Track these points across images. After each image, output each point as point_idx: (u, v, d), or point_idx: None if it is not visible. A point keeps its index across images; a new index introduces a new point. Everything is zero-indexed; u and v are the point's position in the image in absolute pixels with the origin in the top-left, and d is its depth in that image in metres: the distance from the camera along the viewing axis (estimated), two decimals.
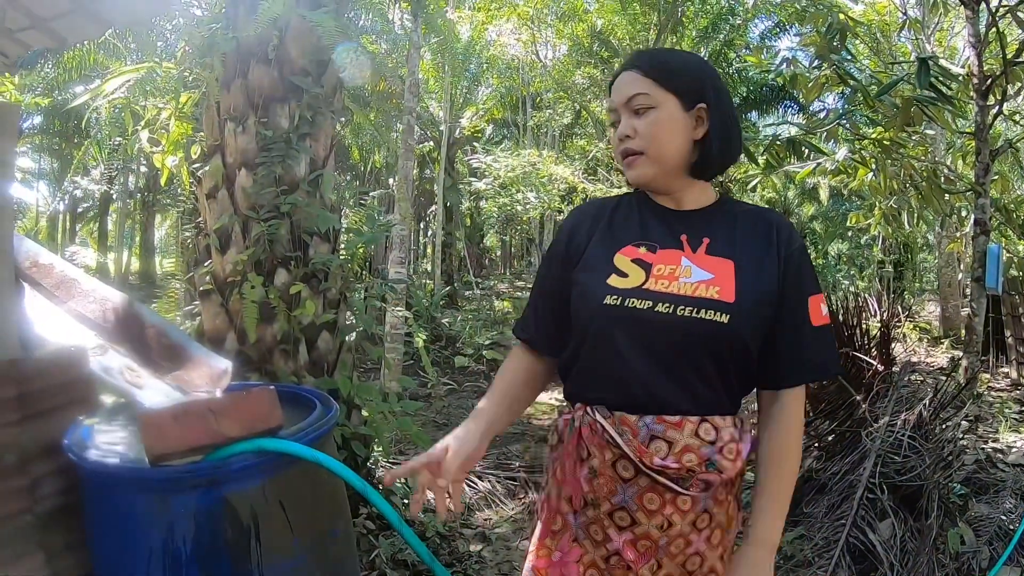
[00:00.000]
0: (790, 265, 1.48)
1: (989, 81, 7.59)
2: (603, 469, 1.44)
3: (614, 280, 1.46)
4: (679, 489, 1.40)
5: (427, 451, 1.48)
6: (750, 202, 1.66)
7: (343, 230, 3.90)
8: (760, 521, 1.50)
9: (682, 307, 1.39)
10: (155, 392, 2.09)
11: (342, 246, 3.86)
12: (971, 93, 7.94)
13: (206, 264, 3.48)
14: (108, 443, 1.83)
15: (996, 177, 9.16)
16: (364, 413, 3.78)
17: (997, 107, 7.76)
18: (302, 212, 3.42)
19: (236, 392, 1.91)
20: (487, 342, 10.62)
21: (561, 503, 1.50)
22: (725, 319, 1.38)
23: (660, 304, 1.40)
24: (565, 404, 1.62)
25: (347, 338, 3.77)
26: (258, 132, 3.43)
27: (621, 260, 1.49)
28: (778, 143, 7.45)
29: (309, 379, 3.40)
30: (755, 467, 1.54)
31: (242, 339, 3.34)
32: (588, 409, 1.48)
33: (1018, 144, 9.08)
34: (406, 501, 3.86)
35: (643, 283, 1.43)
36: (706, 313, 1.38)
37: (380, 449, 3.99)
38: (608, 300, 1.43)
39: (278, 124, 3.48)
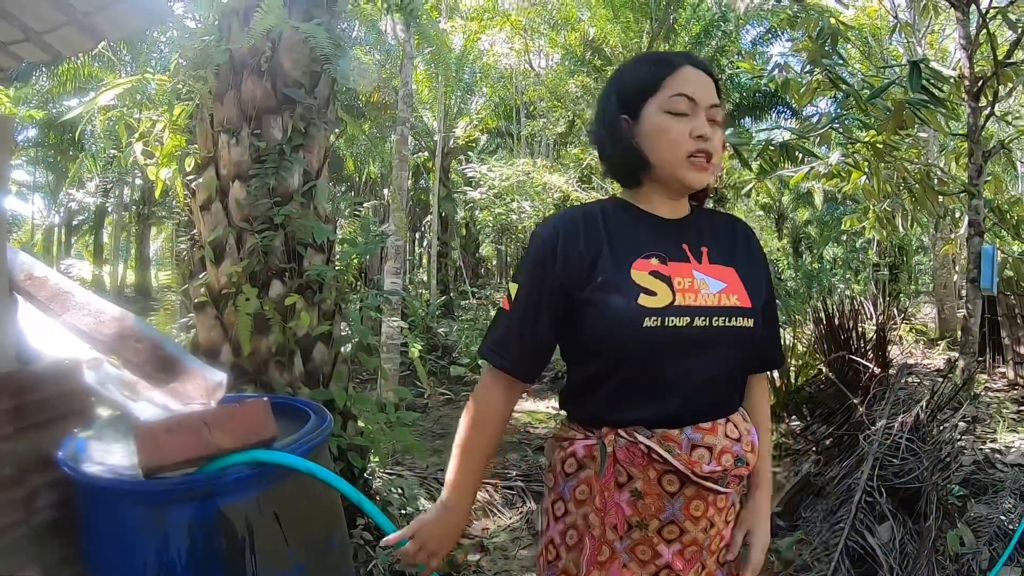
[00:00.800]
0: (766, 271, 1.64)
1: (980, 83, 7.62)
2: (648, 489, 1.42)
3: (645, 300, 1.40)
4: (722, 490, 1.45)
5: (419, 529, 1.50)
6: (711, 208, 1.69)
7: (338, 241, 3.90)
8: (762, 471, 1.65)
9: (716, 318, 1.44)
10: (150, 404, 2.09)
11: (337, 257, 3.86)
12: (963, 95, 7.97)
13: (201, 276, 3.48)
14: (103, 455, 1.83)
15: (989, 178, 9.19)
16: (360, 424, 3.77)
17: (989, 108, 7.79)
18: (296, 223, 3.42)
19: (230, 404, 1.91)
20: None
21: (607, 532, 1.42)
22: (750, 323, 1.49)
23: (697, 318, 1.42)
24: (570, 427, 1.56)
25: (342, 349, 3.76)
26: (251, 144, 3.43)
27: (640, 276, 1.43)
28: (771, 148, 7.46)
29: (304, 390, 3.39)
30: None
31: (237, 351, 3.33)
32: (622, 432, 1.43)
33: (1011, 145, 9.11)
34: (403, 512, 3.86)
35: (673, 299, 1.42)
36: (735, 320, 1.46)
37: (377, 460, 3.98)
38: (648, 323, 1.38)
39: (271, 136, 3.48)
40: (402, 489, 4.05)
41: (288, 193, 3.46)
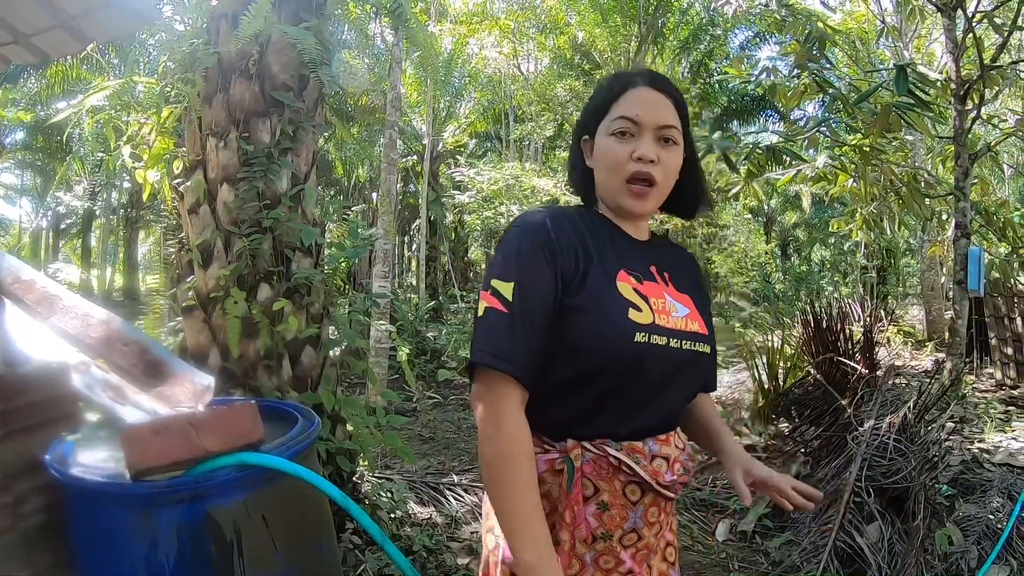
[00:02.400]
0: (709, 304, 1.67)
1: (967, 86, 7.68)
2: (614, 500, 1.42)
3: (634, 315, 1.40)
4: (674, 496, 1.49)
5: None
6: (665, 238, 1.70)
7: (326, 245, 3.90)
8: (733, 444, 1.68)
9: (685, 341, 1.46)
10: (137, 408, 2.08)
11: (325, 261, 3.86)
12: (949, 98, 8.04)
13: (188, 280, 3.47)
14: (90, 459, 1.82)
15: (976, 181, 9.26)
16: (349, 428, 3.77)
17: (975, 111, 7.85)
18: (284, 227, 3.42)
19: (217, 407, 1.90)
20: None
21: (577, 545, 1.40)
22: (708, 350, 1.53)
23: (672, 339, 1.44)
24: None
25: (331, 353, 3.76)
26: (240, 147, 3.43)
27: (625, 289, 1.44)
28: (759, 151, 7.49)
29: (293, 394, 3.39)
30: (698, 430, 1.73)
31: (225, 355, 3.33)
32: (589, 445, 1.41)
33: (997, 148, 9.17)
34: (392, 516, 3.85)
35: (654, 319, 1.43)
36: (697, 345, 1.49)
37: (366, 464, 3.97)
38: (639, 337, 1.38)
39: (260, 139, 3.48)
40: (391, 492, 4.05)
41: (276, 196, 3.46)
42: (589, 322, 1.38)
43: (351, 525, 3.50)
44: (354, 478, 3.77)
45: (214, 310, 3.35)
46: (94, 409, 2.16)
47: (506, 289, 1.38)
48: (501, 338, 1.35)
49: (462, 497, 4.50)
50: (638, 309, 1.42)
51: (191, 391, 2.15)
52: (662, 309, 1.46)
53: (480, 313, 1.40)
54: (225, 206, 3.40)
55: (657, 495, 1.45)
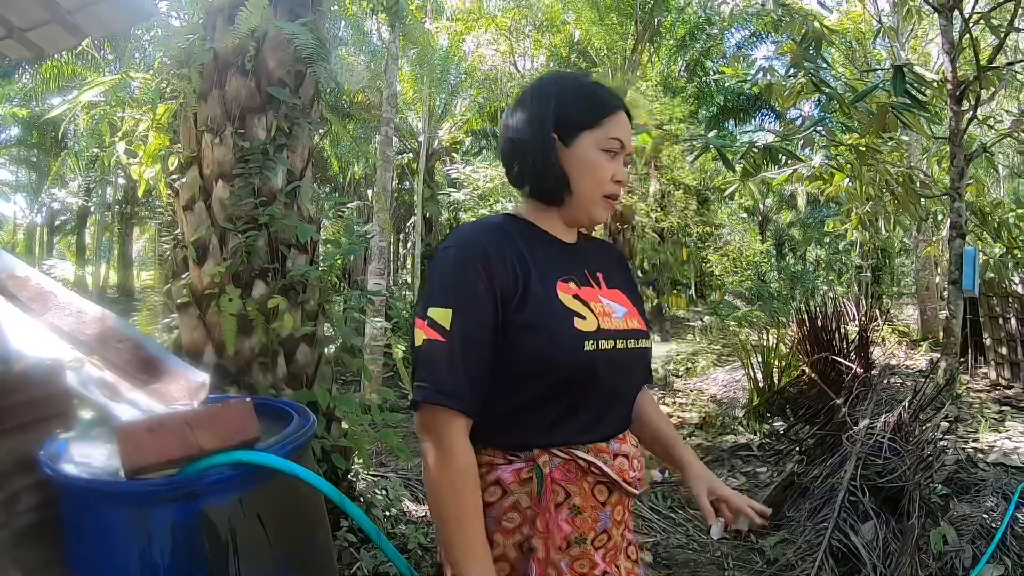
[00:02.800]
0: (639, 291, 1.71)
1: (963, 87, 7.68)
2: (585, 502, 1.43)
3: (579, 323, 1.42)
4: (636, 492, 1.52)
5: None
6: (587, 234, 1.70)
7: (321, 242, 3.89)
8: (683, 449, 1.75)
9: (630, 340, 1.51)
10: (132, 405, 2.07)
11: (320, 258, 3.85)
12: (945, 99, 8.04)
13: (183, 276, 3.46)
14: (85, 457, 1.81)
15: (971, 181, 9.28)
16: (344, 425, 3.76)
17: (971, 112, 7.86)
18: (280, 224, 3.41)
19: (213, 404, 1.89)
20: None
21: (551, 553, 1.39)
22: (649, 344, 1.60)
23: (619, 341, 1.47)
24: (485, 453, 1.44)
25: (326, 350, 3.75)
26: (235, 143, 3.42)
27: (567, 298, 1.45)
28: (755, 150, 7.49)
29: (288, 392, 3.38)
30: (650, 438, 1.74)
31: (220, 352, 3.31)
32: (557, 451, 1.42)
33: (992, 148, 9.18)
34: (387, 514, 3.85)
35: (598, 324, 1.45)
36: (641, 342, 1.55)
37: (361, 461, 3.97)
38: (588, 346, 1.40)
39: (255, 135, 3.47)
40: (386, 490, 4.04)
41: (272, 193, 3.45)
42: (538, 339, 1.39)
43: (346, 523, 3.50)
44: (349, 476, 3.76)
45: (209, 307, 3.34)
46: (88, 406, 2.15)
47: (443, 317, 1.36)
48: (443, 371, 1.35)
49: None
50: (582, 317, 1.44)
51: (186, 388, 2.14)
52: (603, 312, 1.49)
53: (418, 343, 1.39)
54: (220, 202, 3.39)
55: (622, 493, 1.49)
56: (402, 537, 3.69)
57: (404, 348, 9.28)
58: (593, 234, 1.77)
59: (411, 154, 16.75)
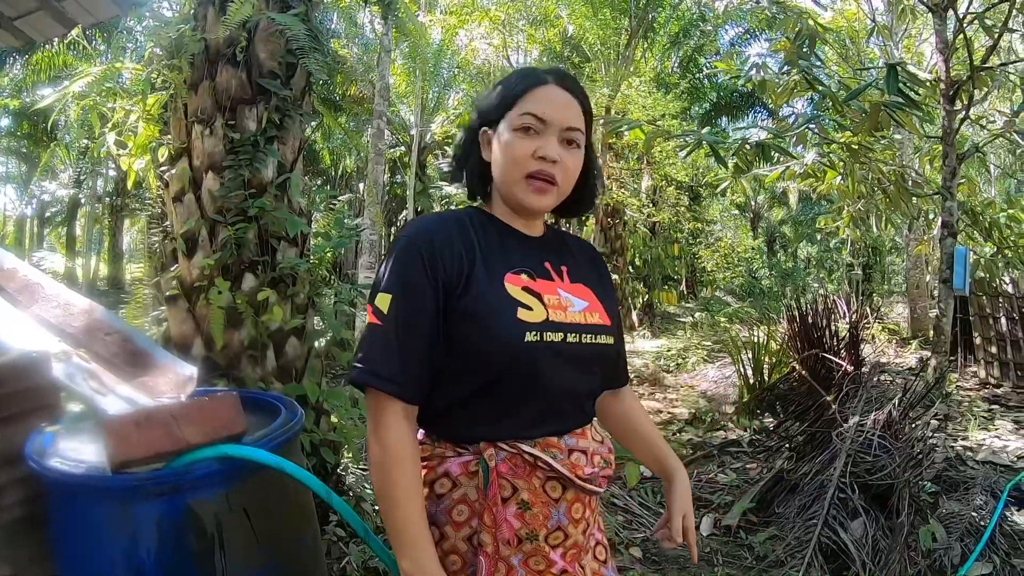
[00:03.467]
0: (614, 292, 1.70)
1: (956, 87, 7.72)
2: (535, 498, 1.41)
3: (523, 314, 1.40)
4: (597, 490, 1.49)
5: None
6: (562, 230, 1.70)
7: (311, 234, 3.87)
8: (671, 458, 1.77)
9: (585, 335, 1.48)
10: (119, 399, 2.05)
11: (310, 251, 3.83)
12: (938, 98, 8.08)
13: (172, 269, 3.44)
14: (70, 450, 1.79)
15: (963, 181, 9.31)
16: (333, 419, 3.74)
17: (964, 112, 7.89)
18: (270, 216, 3.39)
19: (199, 398, 1.87)
20: None
21: (500, 548, 1.38)
22: (611, 340, 1.55)
23: (570, 334, 1.45)
24: (436, 446, 1.47)
25: (316, 344, 3.74)
26: (226, 135, 3.40)
27: (514, 290, 1.43)
28: (747, 147, 7.50)
29: (277, 385, 3.36)
30: (645, 449, 1.80)
31: (209, 345, 3.29)
32: (503, 444, 1.41)
33: (984, 148, 9.21)
34: (376, 508, 3.83)
35: (547, 315, 1.43)
36: (599, 338, 1.51)
37: (350, 455, 3.96)
38: (529, 337, 1.38)
39: (246, 127, 3.45)
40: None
41: (262, 185, 3.43)
42: (477, 327, 1.39)
43: (335, 517, 3.48)
44: (338, 470, 3.75)
45: (198, 300, 3.32)
46: (75, 399, 2.13)
47: (383, 302, 1.39)
48: (377, 353, 1.38)
49: None
50: (528, 308, 1.41)
51: (174, 381, 2.12)
52: (557, 305, 1.46)
53: (365, 325, 1.43)
54: (210, 194, 3.37)
55: (579, 490, 1.45)
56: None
57: None
58: (575, 230, 1.76)
59: (403, 148, 16.70)
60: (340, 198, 16.57)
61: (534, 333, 1.39)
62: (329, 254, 4.04)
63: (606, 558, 1.59)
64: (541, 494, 1.41)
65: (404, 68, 14.62)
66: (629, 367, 1.91)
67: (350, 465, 4.03)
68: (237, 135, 3.40)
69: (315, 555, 2.04)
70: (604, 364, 1.57)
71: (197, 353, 3.29)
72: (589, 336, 1.48)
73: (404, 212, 16.78)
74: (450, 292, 1.39)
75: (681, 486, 1.72)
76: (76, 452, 1.79)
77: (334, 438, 3.62)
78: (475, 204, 1.63)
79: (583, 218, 15.95)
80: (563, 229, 1.74)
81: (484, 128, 1.53)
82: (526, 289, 1.45)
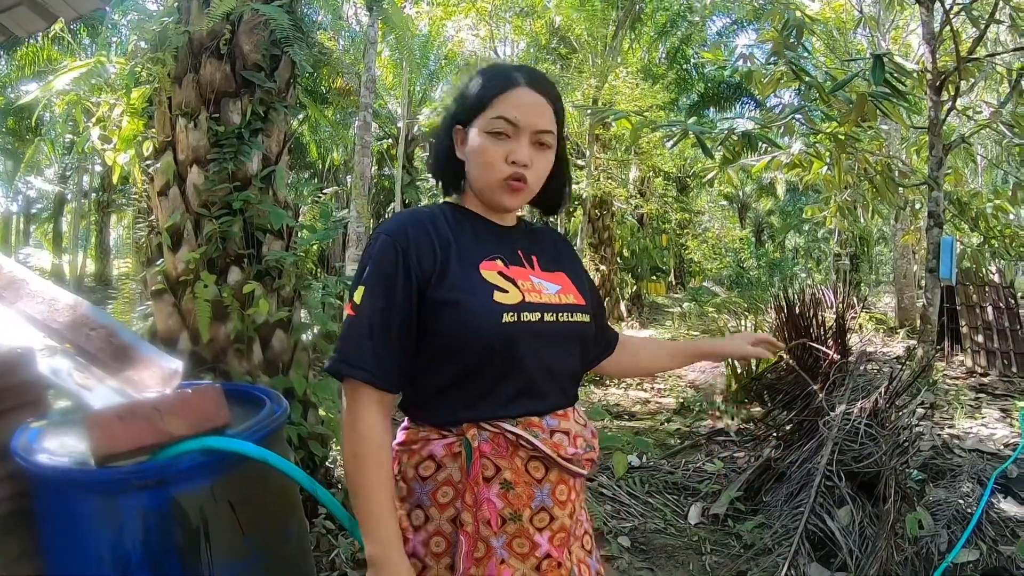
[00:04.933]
0: (584, 272, 1.75)
1: (943, 77, 7.74)
2: (517, 478, 1.42)
3: (499, 296, 1.44)
4: (581, 471, 1.50)
5: None
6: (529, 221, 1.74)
7: (297, 227, 3.86)
8: (693, 343, 2.07)
9: (560, 313, 1.51)
10: (105, 393, 2.05)
11: (296, 243, 3.82)
12: (925, 89, 8.10)
13: (158, 263, 3.43)
14: (56, 445, 1.79)
15: (949, 171, 9.35)
16: (321, 412, 3.74)
17: (950, 103, 7.92)
18: (255, 209, 3.38)
19: (182, 391, 1.87)
20: None
21: (481, 527, 1.39)
22: (587, 319, 1.59)
23: (546, 314, 1.48)
24: (420, 430, 1.50)
25: (302, 337, 3.73)
26: (210, 128, 3.39)
27: (489, 275, 1.47)
28: (734, 137, 7.51)
29: (264, 378, 3.36)
30: (655, 357, 1.97)
31: (195, 339, 3.29)
32: (485, 424, 1.43)
33: (971, 139, 9.26)
34: None
35: (523, 298, 1.46)
36: (576, 316, 1.55)
37: (339, 448, 3.95)
38: (507, 318, 1.41)
39: (230, 119, 3.44)
40: None
41: (247, 178, 3.42)
42: (454, 313, 1.41)
43: (324, 510, 3.49)
44: (327, 463, 3.75)
45: (184, 294, 3.31)
46: (61, 395, 2.12)
47: (359, 295, 1.44)
48: (351, 344, 1.41)
49: None
50: (503, 291, 1.44)
51: (159, 375, 2.12)
52: (532, 288, 1.50)
53: (344, 317, 1.48)
54: (195, 188, 3.36)
55: (562, 471, 1.47)
56: None
57: None
58: (550, 221, 1.78)
59: (390, 140, 16.66)
60: (326, 191, 16.55)
61: (511, 314, 1.42)
62: (315, 247, 4.03)
63: (591, 548, 1.61)
64: (523, 474, 1.43)
65: (391, 60, 14.57)
66: None
67: (338, 458, 4.02)
68: (221, 128, 3.39)
69: (301, 546, 2.04)
70: (582, 342, 1.60)
71: (183, 347, 3.28)
72: (565, 315, 1.52)
73: (392, 204, 16.78)
74: (426, 283, 1.43)
75: (722, 341, 1.98)
76: (62, 447, 1.79)
77: (322, 431, 3.62)
78: (449, 199, 1.66)
79: (570, 209, 15.97)
80: (533, 223, 1.77)
81: (457, 126, 1.55)
82: (501, 274, 1.48)
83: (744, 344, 1.93)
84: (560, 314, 1.50)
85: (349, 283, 4.83)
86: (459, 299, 1.42)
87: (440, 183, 1.65)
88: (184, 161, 3.41)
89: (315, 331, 3.94)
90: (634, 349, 1.92)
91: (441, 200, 1.69)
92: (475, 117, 1.50)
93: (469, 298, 1.42)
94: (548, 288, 1.54)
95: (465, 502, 1.40)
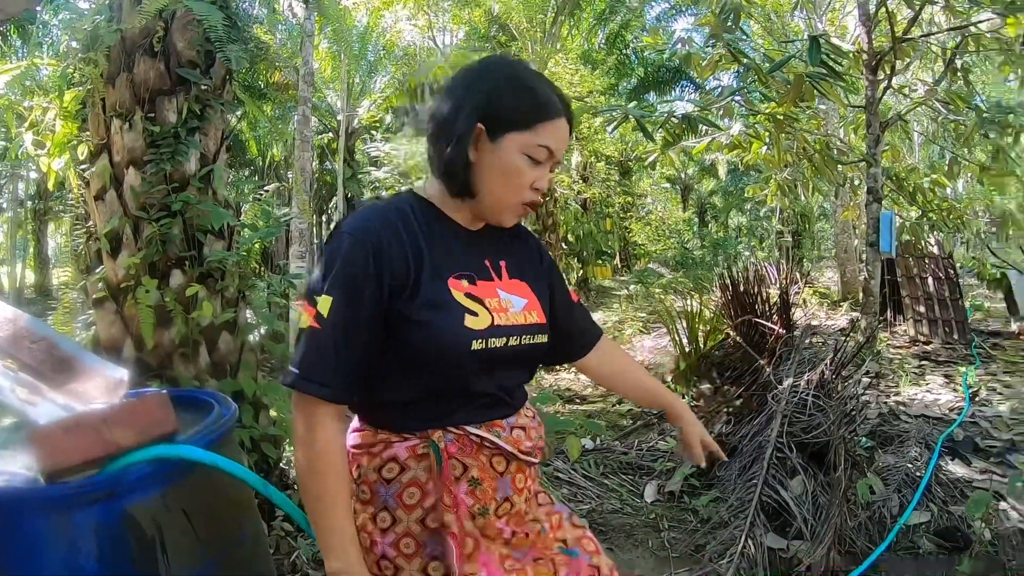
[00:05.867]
0: (553, 269, 1.74)
1: (879, 57, 7.92)
2: (484, 474, 1.44)
3: (470, 321, 1.40)
4: (535, 461, 1.55)
5: None
6: None
7: (239, 226, 3.80)
8: (666, 394, 1.95)
9: (525, 336, 1.51)
10: (49, 408, 2.00)
11: (238, 243, 3.76)
12: (862, 69, 8.27)
13: (98, 270, 3.35)
14: (2, 464, 1.75)
15: (887, 148, 9.57)
16: (273, 413, 3.70)
17: (887, 82, 8.11)
18: (194, 210, 3.32)
19: (128, 400, 1.84)
20: None
21: (464, 523, 1.40)
22: (545, 339, 1.58)
23: (511, 338, 1.47)
24: (378, 432, 1.47)
25: (249, 337, 3.68)
26: (146, 128, 3.31)
27: (459, 296, 1.43)
28: (674, 119, 7.59)
29: (212, 382, 3.31)
30: (638, 391, 1.96)
31: (140, 346, 3.22)
32: (450, 429, 1.43)
33: (907, 116, 9.47)
34: None
35: (492, 321, 1.44)
36: (536, 338, 1.54)
37: (292, 449, 3.91)
38: (475, 345, 1.39)
39: (166, 119, 3.37)
40: None
41: (185, 178, 3.36)
42: (425, 335, 1.38)
43: (282, 512, 3.45)
44: (281, 464, 3.71)
45: (126, 300, 3.24)
46: (4, 412, 2.07)
47: (324, 304, 1.36)
48: (313, 357, 1.35)
49: None
50: (474, 314, 1.42)
51: (104, 386, 2.08)
52: (499, 307, 1.47)
53: (302, 326, 1.40)
54: (132, 191, 3.28)
55: (521, 463, 1.52)
56: None
57: None
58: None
59: (331, 134, 16.44)
60: (267, 188, 16.30)
61: (480, 341, 1.40)
62: (257, 245, 3.97)
63: (546, 502, 1.65)
64: (489, 469, 1.45)
65: (329, 52, 14.37)
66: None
67: (293, 459, 3.98)
68: (157, 128, 3.32)
69: (257, 550, 2.03)
70: (539, 359, 1.64)
71: (128, 355, 3.22)
72: (528, 337, 1.51)
73: (334, 199, 16.58)
74: (396, 294, 1.38)
75: (687, 415, 1.88)
76: (8, 465, 1.74)
77: (275, 432, 3.58)
78: (411, 190, 1.58)
79: None
80: None
81: (480, 125, 1.43)
82: (469, 295, 1.44)
83: (697, 435, 1.87)
84: (524, 337, 1.50)
85: (294, 281, 4.79)
86: (431, 319, 1.38)
87: (444, 176, 1.49)
88: (120, 163, 3.33)
89: (262, 331, 3.89)
90: (610, 360, 1.90)
91: (401, 191, 1.61)
92: (510, 131, 1.42)
93: (439, 321, 1.39)
94: (515, 304, 1.51)
95: (444, 503, 1.39)
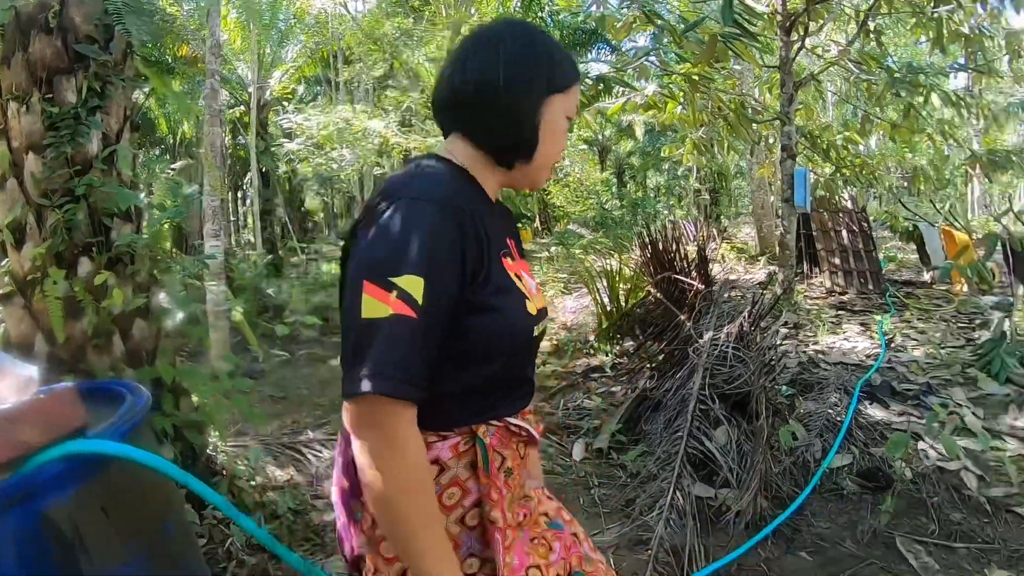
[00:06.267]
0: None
1: (793, 18, 8.08)
2: (515, 463, 1.40)
3: (529, 307, 1.34)
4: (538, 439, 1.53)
5: None
6: None
7: (147, 207, 3.67)
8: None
9: (547, 319, 1.50)
10: None
11: (147, 225, 3.64)
12: (776, 30, 8.43)
13: (3, 264, 3.20)
14: None
15: (800, 107, 9.80)
16: (194, 399, 3.61)
17: (800, 43, 8.29)
18: (99, 193, 3.18)
19: (34, 397, 1.77)
20: (311, 309, 10.06)
21: (508, 516, 1.35)
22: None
23: (543, 321, 1.45)
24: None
25: (165, 323, 3.58)
26: (44, 109, 3.15)
27: (513, 277, 1.36)
28: (589, 80, 7.61)
29: (129, 371, 3.20)
30: None
31: (51, 340, 3.09)
32: (492, 422, 1.35)
33: (820, 76, 9.70)
34: (252, 483, 3.75)
35: (536, 305, 1.40)
36: (546, 321, 1.51)
37: (217, 434, 3.84)
38: (535, 331, 1.38)
39: (65, 99, 3.21)
40: (248, 460, 3.94)
41: (87, 160, 3.22)
42: (496, 321, 1.28)
43: None
44: (207, 450, 3.64)
45: (34, 293, 3.11)
46: None
47: (413, 286, 1.15)
48: (401, 353, 1.14)
49: (320, 453, 4.44)
50: (529, 299, 1.36)
51: (15, 385, 1.99)
52: (531, 290, 1.40)
53: (375, 315, 1.14)
54: (33, 177, 3.14)
55: (531, 445, 1.50)
56: (272, 504, 3.61)
57: (246, 309, 8.80)
58: None
59: (242, 107, 16.02)
60: (175, 165, 15.79)
61: (537, 328, 1.39)
62: (167, 226, 3.85)
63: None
64: (517, 458, 1.41)
65: (238, 22, 13.93)
66: None
67: (219, 444, 3.91)
68: (56, 109, 3.16)
69: (184, 540, 1.99)
70: None
71: (40, 350, 3.09)
72: (548, 320, 1.53)
73: (248, 174, 16.21)
74: (472, 278, 1.24)
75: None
76: None
77: (197, 418, 3.50)
78: (433, 155, 1.41)
79: None
80: None
81: (556, 95, 1.36)
82: (516, 275, 1.37)
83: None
84: (546, 320, 1.49)
85: (206, 261, 4.64)
86: (503, 305, 1.28)
87: (509, 142, 1.37)
88: (19, 149, 3.17)
89: (179, 316, 3.78)
90: None
91: (425, 159, 1.40)
92: (554, 95, 1.36)
93: (512, 306, 1.31)
94: (532, 286, 1.43)
95: (491, 499, 1.31)
